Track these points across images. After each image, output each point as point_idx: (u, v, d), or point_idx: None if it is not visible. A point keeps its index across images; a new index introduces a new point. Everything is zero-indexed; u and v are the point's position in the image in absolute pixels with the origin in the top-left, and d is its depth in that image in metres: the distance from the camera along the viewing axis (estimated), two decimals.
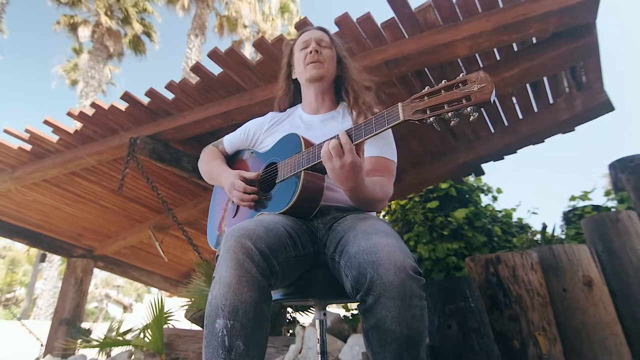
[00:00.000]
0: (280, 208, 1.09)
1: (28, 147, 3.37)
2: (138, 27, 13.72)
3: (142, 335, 2.78)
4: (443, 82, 0.82)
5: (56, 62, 15.68)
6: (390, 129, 1.26)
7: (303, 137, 1.13)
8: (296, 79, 1.36)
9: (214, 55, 2.42)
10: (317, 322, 1.14)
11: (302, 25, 2.05)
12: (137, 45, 13.93)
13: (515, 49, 2.38)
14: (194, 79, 2.68)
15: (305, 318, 3.95)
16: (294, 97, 1.42)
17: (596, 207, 3.70)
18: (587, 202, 3.82)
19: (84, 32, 13.14)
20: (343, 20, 2.16)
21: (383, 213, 4.92)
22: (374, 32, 2.22)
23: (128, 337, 3.42)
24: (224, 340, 0.75)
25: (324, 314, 1.15)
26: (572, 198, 3.90)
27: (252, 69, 2.48)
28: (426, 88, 0.84)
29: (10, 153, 3.47)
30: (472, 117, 0.76)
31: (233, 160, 1.42)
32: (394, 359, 0.76)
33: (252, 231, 0.84)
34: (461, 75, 0.79)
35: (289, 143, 1.17)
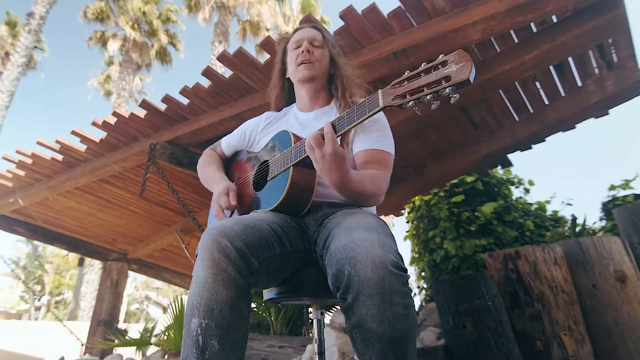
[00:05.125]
0: (270, 205, 1.08)
1: (60, 157, 3.56)
2: (164, 38, 14.29)
3: (165, 335, 2.86)
4: (423, 65, 0.79)
5: (91, 76, 16.61)
6: (387, 122, 1.25)
7: (293, 134, 1.12)
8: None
9: (223, 58, 2.44)
10: (315, 321, 1.11)
11: (307, 22, 2.01)
12: (163, 56, 14.53)
13: (534, 29, 2.24)
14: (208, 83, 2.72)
15: (326, 319, 3.92)
16: (290, 95, 1.41)
17: (638, 196, 3.42)
18: (628, 191, 3.54)
19: (113, 46, 13.88)
20: (348, 14, 2.11)
21: (407, 210, 4.78)
22: (381, 23, 2.16)
23: (161, 337, 3.53)
24: (198, 339, 0.74)
25: (322, 314, 1.12)
26: (612, 187, 3.62)
27: (261, 70, 2.49)
28: (406, 72, 0.82)
29: (44, 163, 3.69)
30: (452, 98, 0.73)
31: (231, 161, 1.43)
32: None
33: (229, 229, 0.83)
34: (440, 56, 0.75)
35: (281, 140, 1.16)
